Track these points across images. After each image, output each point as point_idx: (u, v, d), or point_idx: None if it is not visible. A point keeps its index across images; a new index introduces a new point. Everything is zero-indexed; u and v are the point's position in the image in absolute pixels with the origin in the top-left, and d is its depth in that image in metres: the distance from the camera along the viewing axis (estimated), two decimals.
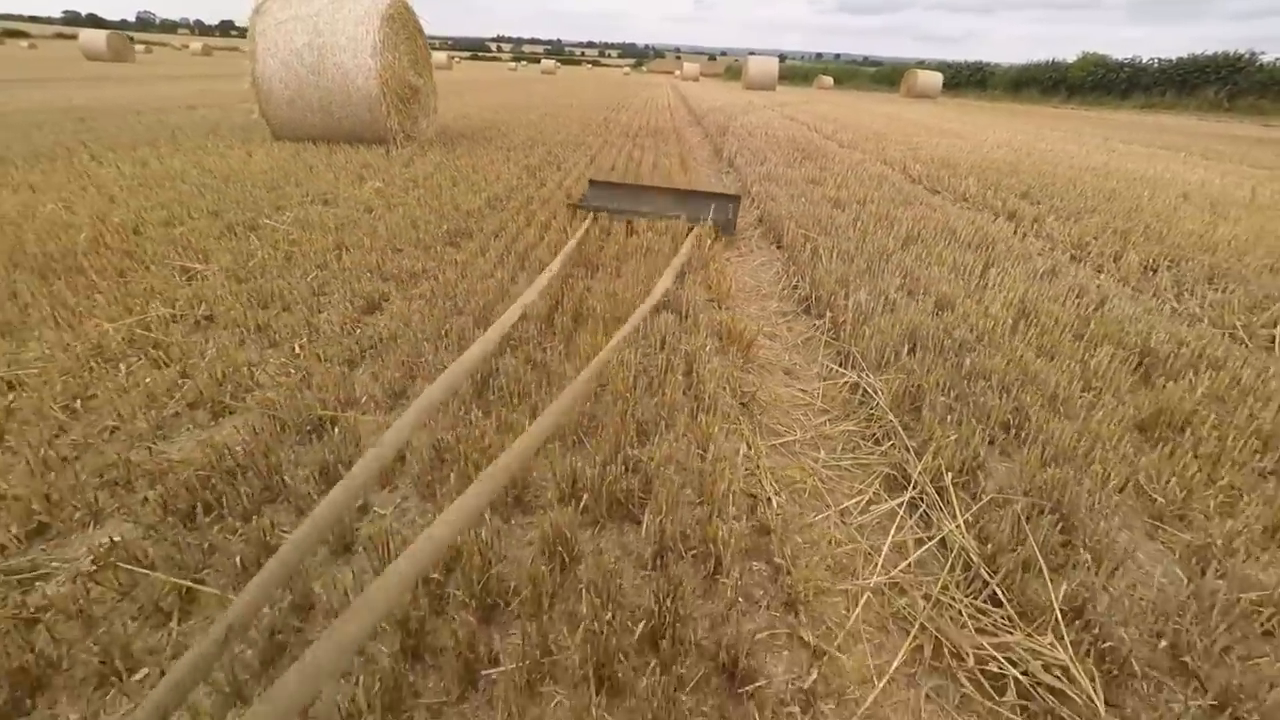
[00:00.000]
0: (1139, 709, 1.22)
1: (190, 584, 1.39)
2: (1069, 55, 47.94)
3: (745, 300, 3.34)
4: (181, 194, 4.53)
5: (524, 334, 2.54)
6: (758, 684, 1.25)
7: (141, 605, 1.36)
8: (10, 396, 2.02)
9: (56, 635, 1.26)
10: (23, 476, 1.67)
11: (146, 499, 1.61)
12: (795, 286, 3.50)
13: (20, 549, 1.49)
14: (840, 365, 2.60)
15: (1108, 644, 1.33)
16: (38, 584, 1.39)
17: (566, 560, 1.51)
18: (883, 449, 2.08)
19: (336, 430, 1.89)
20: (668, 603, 1.36)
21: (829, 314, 3.00)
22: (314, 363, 2.31)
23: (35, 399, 2.00)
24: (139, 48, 45.90)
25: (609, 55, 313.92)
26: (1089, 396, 2.27)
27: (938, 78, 34.92)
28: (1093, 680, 1.27)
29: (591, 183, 4.73)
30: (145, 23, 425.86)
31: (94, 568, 1.41)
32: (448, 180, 5.40)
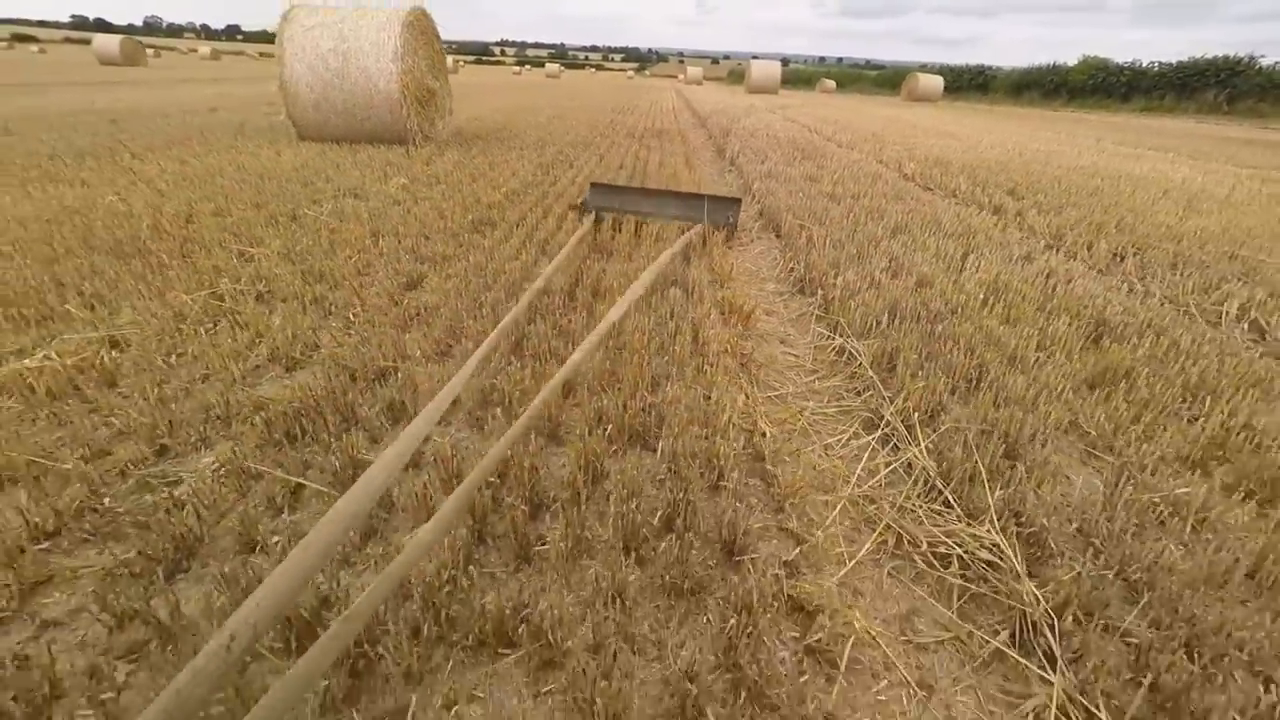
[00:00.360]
0: (1051, 574, 1.55)
1: (299, 480, 1.73)
2: (1070, 59, 48.22)
3: (746, 282, 3.67)
4: (223, 188, 4.89)
5: (549, 304, 2.88)
6: (750, 556, 1.59)
7: (259, 500, 1.70)
8: (117, 352, 2.37)
9: (200, 516, 1.61)
10: (142, 410, 2.01)
11: (253, 423, 1.96)
12: (791, 270, 3.84)
13: (152, 463, 1.84)
14: (829, 333, 2.94)
15: (1031, 530, 1.66)
16: (175, 486, 1.74)
17: (596, 475, 1.85)
18: (862, 399, 2.41)
19: (398, 375, 2.24)
20: (680, 500, 1.69)
21: (820, 292, 3.34)
22: (368, 328, 2.65)
23: (139, 353, 2.36)
24: (148, 52, 46.57)
25: (612, 59, 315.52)
26: (1042, 356, 2.61)
27: (938, 81, 35.26)
28: (1017, 554, 1.60)
29: (592, 185, 4.61)
30: (152, 27, 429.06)
31: (219, 473, 1.76)
32: (467, 177, 5.76)
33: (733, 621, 1.36)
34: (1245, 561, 1.56)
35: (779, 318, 3.23)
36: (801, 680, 1.30)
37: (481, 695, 1.23)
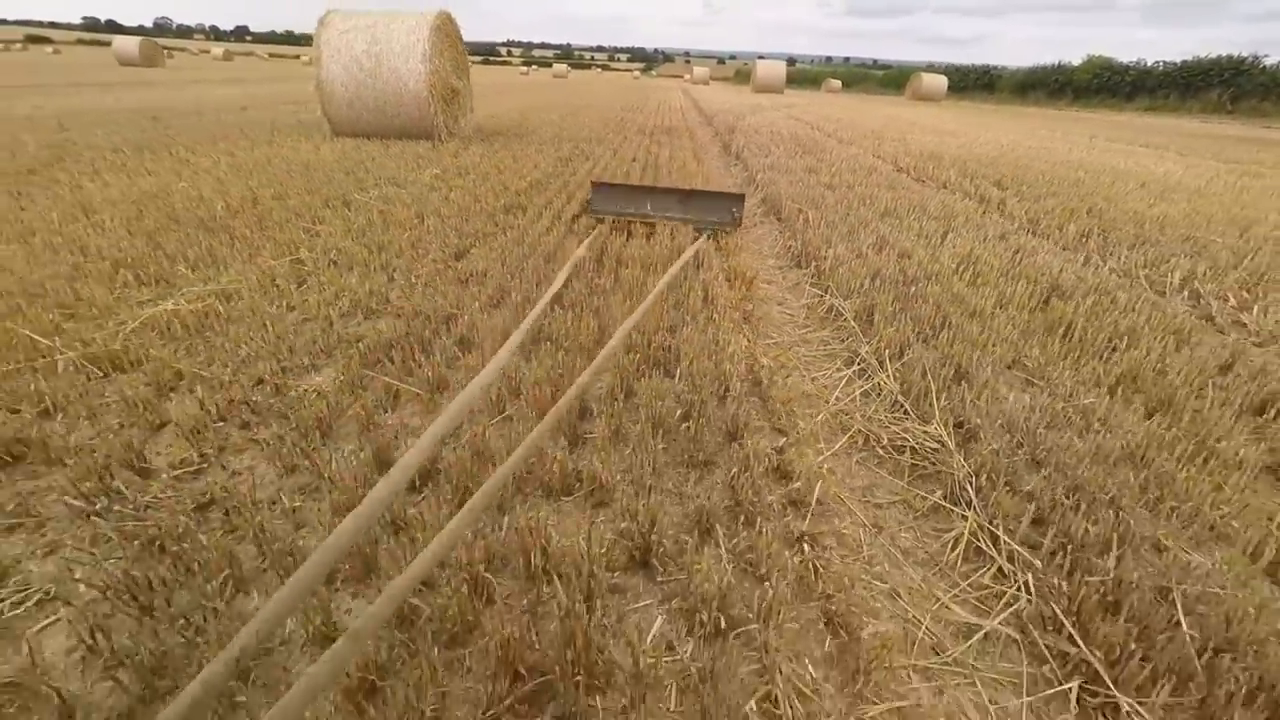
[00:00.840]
0: (981, 454, 2.03)
1: (399, 384, 2.24)
2: (1076, 59, 48.40)
3: (749, 257, 4.16)
4: (276, 177, 5.41)
5: (575, 290, 3.37)
6: (748, 441, 2.08)
7: (370, 400, 2.20)
8: (231, 301, 2.88)
9: (329, 407, 2.10)
10: (263, 341, 2.52)
11: (351, 353, 2.45)
12: (789, 248, 4.32)
13: (280, 377, 2.34)
14: (820, 294, 3.42)
15: (968, 427, 2.15)
16: (305, 394, 2.24)
17: (629, 391, 2.34)
18: (844, 344, 2.90)
19: (462, 319, 2.74)
20: (694, 403, 2.19)
21: (814, 264, 3.83)
22: (430, 287, 3.15)
23: (248, 302, 2.86)
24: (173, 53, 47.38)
25: (618, 59, 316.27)
26: (999, 310, 3.09)
27: (942, 81, 35.60)
28: (953, 442, 2.08)
29: (594, 185, 4.57)
30: (162, 28, 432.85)
31: (335, 382, 2.26)
32: (494, 168, 6.27)
33: (734, 473, 1.85)
34: (1125, 446, 2.04)
35: (777, 285, 3.71)
36: (784, 516, 1.79)
37: (553, 521, 1.72)
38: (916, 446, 2.14)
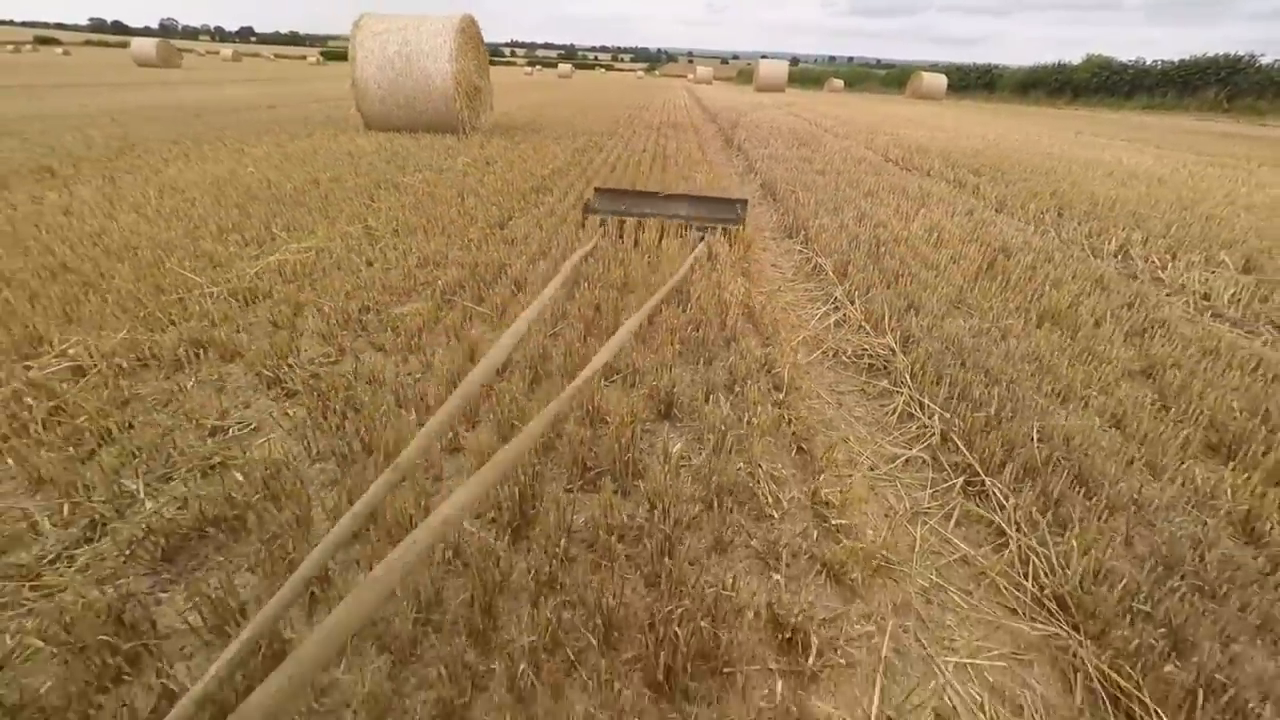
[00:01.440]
0: (918, 354, 2.67)
1: (474, 307, 2.90)
2: (1075, 58, 48.85)
3: (748, 230, 4.80)
4: (326, 164, 6.08)
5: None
6: (741, 344, 2.73)
7: (451, 319, 2.85)
8: (323, 256, 3.54)
9: (422, 323, 2.76)
10: (356, 284, 3.17)
11: (427, 292, 3.11)
12: (783, 222, 4.97)
13: (379, 307, 2.99)
14: (805, 253, 4.07)
15: (911, 339, 2.79)
16: (402, 315, 2.89)
17: (650, 320, 2.99)
18: (824, 291, 3.55)
19: (514, 267, 3.39)
20: (701, 322, 2.84)
21: (803, 233, 4.48)
22: (480, 248, 3.81)
23: (340, 255, 3.52)
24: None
25: (621, 59, 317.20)
26: (952, 265, 3.73)
27: (942, 80, 36.17)
28: (898, 350, 2.73)
29: (597, 190, 4.53)
30: (168, 29, 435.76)
31: (421, 310, 2.92)
32: (517, 158, 6.93)
33: (731, 361, 2.50)
34: (1028, 351, 2.69)
35: (771, 251, 4.36)
36: (768, 395, 2.43)
37: (601, 394, 2.37)
38: (872, 354, 2.79)
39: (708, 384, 2.36)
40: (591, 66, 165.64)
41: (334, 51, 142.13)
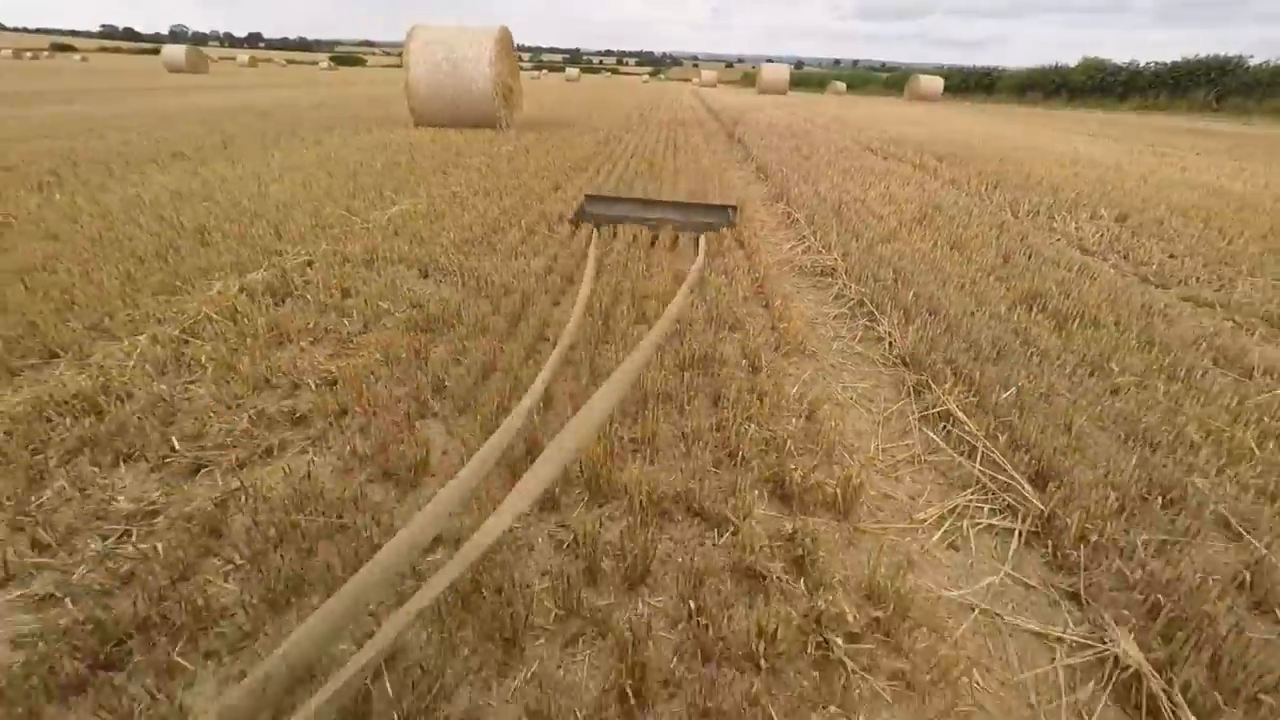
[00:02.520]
0: (855, 266, 3.91)
1: (549, 233, 4.18)
2: (1072, 60, 49.91)
3: (743, 205, 6.06)
4: (398, 151, 7.38)
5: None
6: (733, 262, 3.99)
7: (537, 239, 4.12)
8: (431, 209, 4.82)
9: (521, 244, 4.03)
10: (465, 225, 4.44)
11: (515, 230, 4.38)
12: (772, 192, 6.23)
13: (488, 236, 4.25)
14: (785, 210, 5.34)
15: (850, 256, 4.05)
16: (503, 240, 4.17)
17: (673, 244, 4.26)
18: (798, 235, 4.81)
19: (563, 217, 4.67)
20: (709, 247, 4.11)
21: (785, 198, 5.74)
22: (545, 202, 5.08)
23: (440, 210, 4.80)
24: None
25: (626, 63, 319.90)
26: (893, 218, 4.98)
27: (938, 82, 37.39)
28: (847, 271, 3.99)
29: (587, 198, 4.66)
30: (178, 36, 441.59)
31: (521, 235, 4.19)
32: (552, 146, 8.22)
33: (728, 267, 3.77)
34: (929, 262, 3.95)
35: (761, 212, 5.62)
36: (751, 282, 3.68)
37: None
38: (823, 265, 4.05)
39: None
40: (597, 70, 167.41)
41: (342, 56, 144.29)
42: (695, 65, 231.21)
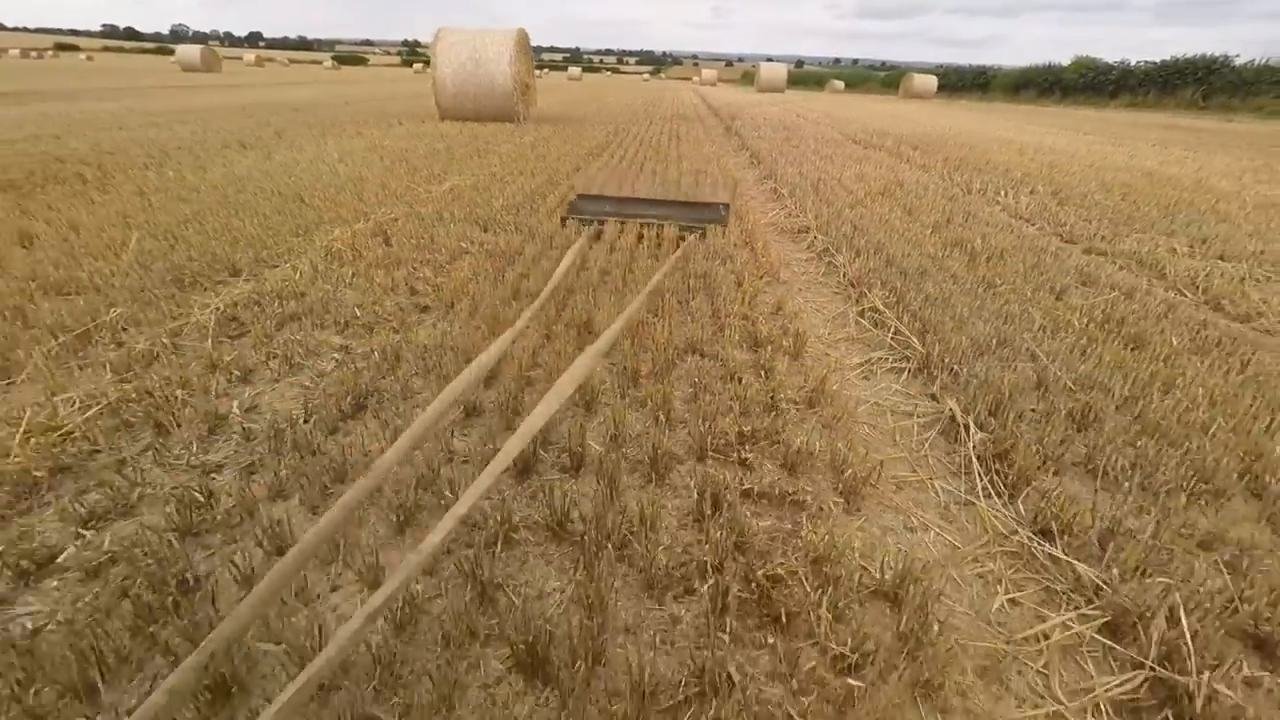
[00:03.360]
0: (827, 227, 4.88)
1: (577, 197, 5.16)
2: (1065, 59, 50.80)
3: (737, 183, 7.03)
4: (431, 141, 8.34)
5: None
6: (730, 233, 4.96)
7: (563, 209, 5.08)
8: (475, 184, 5.79)
9: (560, 201, 4.99)
10: (509, 196, 5.41)
11: (554, 197, 5.35)
12: (761, 173, 7.20)
13: (530, 201, 5.22)
14: (773, 187, 6.32)
15: (822, 218, 5.03)
16: (544, 201, 5.13)
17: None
18: (780, 202, 5.78)
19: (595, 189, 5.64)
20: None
21: (773, 177, 6.72)
22: (568, 179, 6.04)
23: (484, 186, 5.77)
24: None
25: (626, 62, 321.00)
26: (862, 191, 5.96)
27: (932, 80, 38.38)
28: (816, 228, 4.97)
29: (579, 196, 4.66)
30: (179, 35, 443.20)
31: (560, 196, 5.17)
32: (568, 137, 9.19)
33: (722, 240, 4.74)
34: (885, 221, 4.92)
35: (753, 188, 6.59)
36: (741, 236, 4.65)
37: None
38: (800, 225, 5.02)
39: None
40: (597, 70, 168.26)
41: (345, 56, 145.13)
42: (695, 64, 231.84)
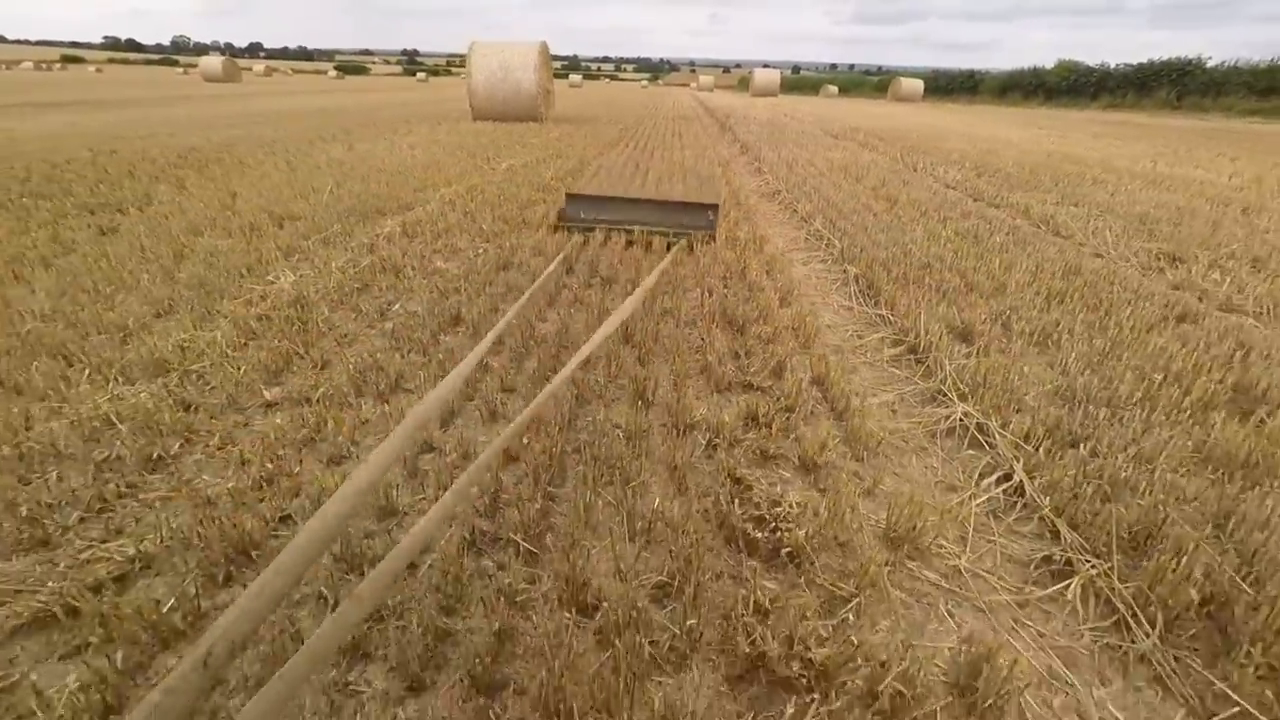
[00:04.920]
0: (794, 192, 6.51)
1: (606, 162, 6.83)
2: (1049, 62, 52.72)
3: (726, 170, 8.68)
4: (475, 135, 10.00)
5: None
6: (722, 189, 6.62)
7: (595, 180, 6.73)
8: (527, 164, 7.44)
9: (600, 168, 6.65)
10: (557, 168, 7.05)
11: (589, 171, 7.00)
12: (749, 157, 8.86)
13: (563, 176, 6.87)
14: (757, 166, 7.98)
15: (795, 187, 6.68)
16: (583, 172, 6.78)
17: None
18: (762, 178, 7.44)
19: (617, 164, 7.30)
20: (692, 170, 6.74)
21: (758, 160, 8.38)
22: (595, 159, 7.69)
23: (531, 167, 7.42)
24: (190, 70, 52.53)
25: (624, 70, 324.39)
26: (832, 173, 7.61)
27: (918, 84, 40.25)
28: (789, 191, 6.62)
29: (569, 196, 4.69)
30: (180, 46, 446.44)
31: (592, 166, 6.82)
32: (586, 133, 10.86)
33: (719, 194, 6.41)
34: (861, 202, 6.57)
35: (742, 169, 8.24)
36: (732, 203, 6.29)
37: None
38: (774, 190, 6.67)
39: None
40: (595, 77, 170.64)
41: (346, 65, 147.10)
42: (692, 70, 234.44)
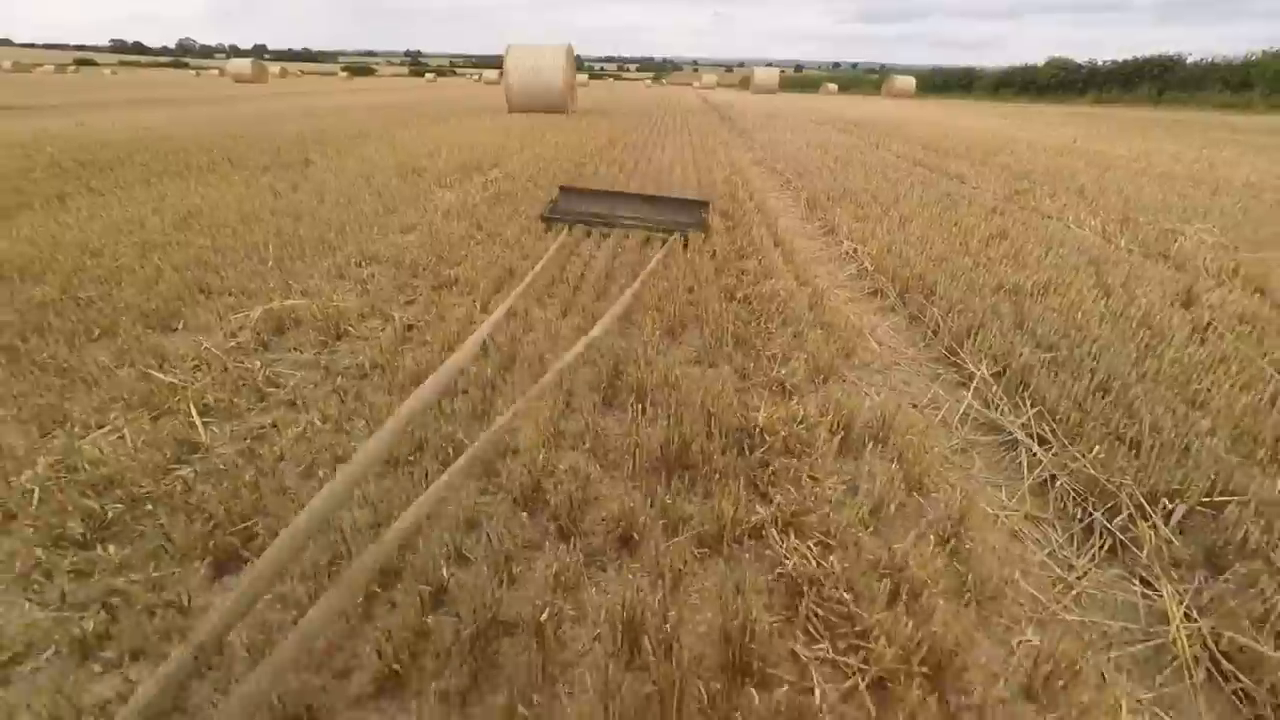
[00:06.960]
0: (782, 166, 8.45)
1: (627, 140, 8.80)
2: (1041, 60, 54.57)
3: (726, 148, 10.62)
4: (516, 124, 11.96)
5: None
6: (718, 173, 8.57)
7: (622, 160, 8.70)
8: (565, 145, 9.41)
9: (625, 145, 8.61)
10: (584, 148, 9.01)
11: (620, 146, 8.96)
12: (745, 141, 10.82)
13: (595, 153, 8.82)
14: (750, 146, 9.95)
15: (785, 162, 8.64)
16: (612, 153, 8.74)
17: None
18: (755, 154, 9.39)
19: (637, 143, 9.26)
20: (700, 163, 8.69)
21: (751, 141, 10.34)
22: (625, 138, 9.65)
23: (572, 144, 9.38)
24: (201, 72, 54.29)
25: (628, 69, 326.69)
26: (814, 153, 9.57)
27: (910, 80, 42.34)
28: (778, 166, 8.58)
29: (561, 190, 4.73)
30: (186, 48, 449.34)
31: (620, 144, 8.79)
32: (610, 122, 12.81)
33: (722, 173, 8.37)
34: (827, 166, 8.53)
35: (738, 149, 10.19)
36: (729, 173, 8.24)
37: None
38: (763, 160, 8.63)
39: (710, 168, 8.22)
40: (600, 77, 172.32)
41: (353, 67, 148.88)
42: (695, 70, 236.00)
